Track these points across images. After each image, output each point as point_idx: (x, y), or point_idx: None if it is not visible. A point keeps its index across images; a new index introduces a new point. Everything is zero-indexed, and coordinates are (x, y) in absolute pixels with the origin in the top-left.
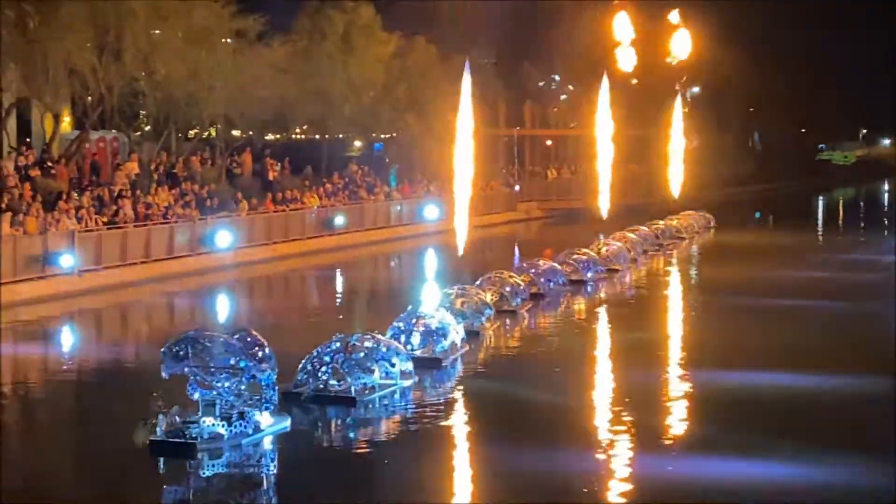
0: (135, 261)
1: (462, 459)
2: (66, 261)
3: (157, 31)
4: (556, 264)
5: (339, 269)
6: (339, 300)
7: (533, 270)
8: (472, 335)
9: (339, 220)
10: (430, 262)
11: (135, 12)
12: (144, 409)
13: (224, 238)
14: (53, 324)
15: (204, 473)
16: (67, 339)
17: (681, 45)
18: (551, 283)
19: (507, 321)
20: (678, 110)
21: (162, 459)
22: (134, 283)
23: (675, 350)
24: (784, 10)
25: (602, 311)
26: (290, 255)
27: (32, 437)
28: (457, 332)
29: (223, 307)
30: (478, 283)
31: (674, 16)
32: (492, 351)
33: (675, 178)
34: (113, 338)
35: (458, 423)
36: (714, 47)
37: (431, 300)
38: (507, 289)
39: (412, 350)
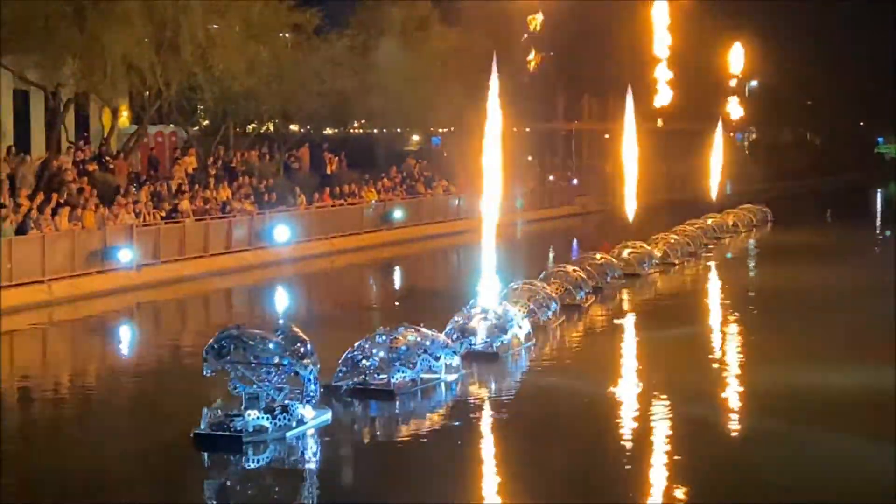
0: (193, 255)
1: (495, 456)
2: (125, 255)
3: (215, 26)
4: (612, 258)
5: (397, 264)
6: (396, 294)
7: (590, 264)
8: (539, 329)
9: (397, 214)
10: (489, 256)
11: (192, 7)
12: (200, 401)
13: (282, 232)
14: (112, 318)
15: (250, 466)
16: (127, 333)
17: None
18: (608, 277)
19: (573, 315)
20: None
21: (206, 453)
22: (192, 278)
23: (732, 346)
24: (842, 4)
25: (658, 307)
26: (348, 250)
27: (82, 430)
28: (520, 327)
29: (279, 301)
30: (541, 276)
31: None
32: (556, 346)
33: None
34: (171, 331)
35: (499, 418)
36: (772, 42)
37: (493, 294)
38: (571, 283)
39: (471, 345)
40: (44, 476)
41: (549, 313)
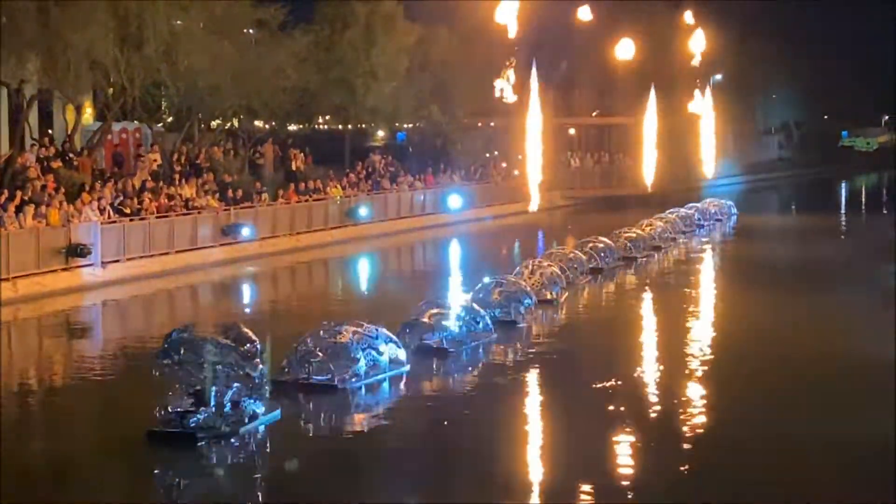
0: (158, 252)
1: (431, 451)
2: (90, 252)
3: (179, 22)
4: (579, 253)
5: (361, 260)
6: (358, 290)
7: (559, 259)
8: (509, 325)
9: (363, 210)
10: (455, 251)
11: (156, 3)
12: (156, 400)
13: (247, 229)
14: (77, 316)
15: (203, 463)
16: (90, 331)
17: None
18: (579, 271)
19: (548, 311)
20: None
21: (160, 449)
22: (157, 275)
23: (695, 342)
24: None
25: (623, 302)
26: (314, 246)
27: (36, 430)
28: (477, 322)
29: (242, 298)
30: (515, 271)
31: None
32: (520, 342)
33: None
34: (134, 329)
35: (438, 414)
36: (736, 35)
37: (459, 289)
38: (546, 278)
39: (422, 339)
40: None
41: (522, 308)
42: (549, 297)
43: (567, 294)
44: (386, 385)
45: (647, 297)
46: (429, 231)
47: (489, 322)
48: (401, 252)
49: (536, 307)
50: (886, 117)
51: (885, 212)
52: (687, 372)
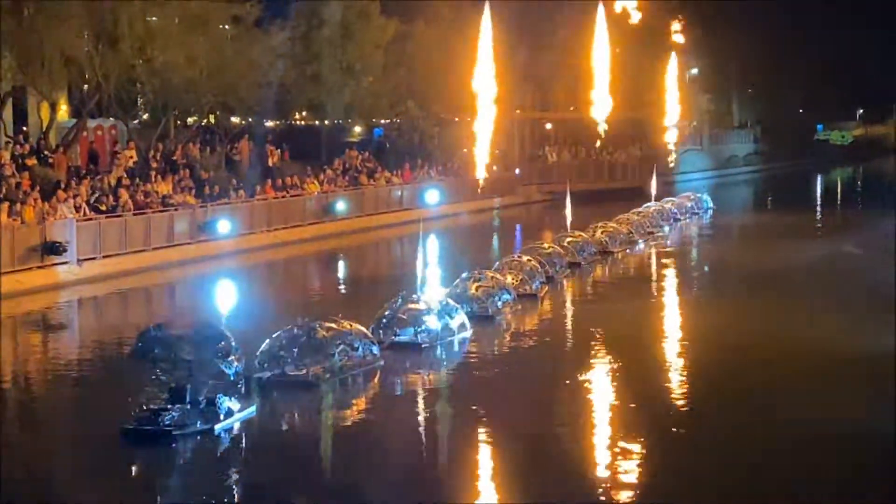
0: (134, 249)
1: (400, 447)
2: (66, 250)
3: (154, 18)
4: (557, 247)
5: (338, 256)
6: (335, 286)
7: (539, 253)
8: (487, 319)
9: (340, 205)
10: (432, 247)
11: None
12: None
13: (224, 225)
14: (53, 314)
15: (180, 459)
16: (66, 329)
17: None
18: (558, 266)
19: (528, 305)
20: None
21: (134, 447)
22: (133, 272)
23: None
24: None
25: (603, 296)
26: (291, 242)
27: (10, 430)
28: (451, 318)
29: (219, 295)
30: (495, 266)
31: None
32: (493, 337)
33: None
34: (109, 327)
35: (407, 409)
36: (712, 31)
37: (435, 285)
38: (526, 273)
39: (395, 335)
40: None
41: (500, 303)
42: (528, 291)
43: (547, 288)
44: (360, 380)
45: (625, 291)
46: (406, 226)
47: (465, 317)
48: (378, 247)
49: (516, 302)
50: (861, 111)
51: (859, 204)
52: (665, 364)
